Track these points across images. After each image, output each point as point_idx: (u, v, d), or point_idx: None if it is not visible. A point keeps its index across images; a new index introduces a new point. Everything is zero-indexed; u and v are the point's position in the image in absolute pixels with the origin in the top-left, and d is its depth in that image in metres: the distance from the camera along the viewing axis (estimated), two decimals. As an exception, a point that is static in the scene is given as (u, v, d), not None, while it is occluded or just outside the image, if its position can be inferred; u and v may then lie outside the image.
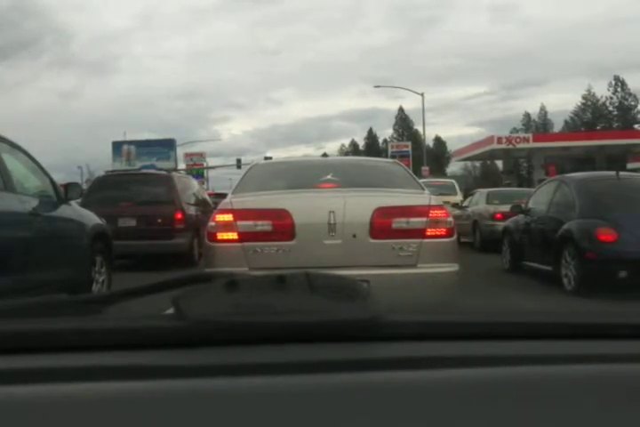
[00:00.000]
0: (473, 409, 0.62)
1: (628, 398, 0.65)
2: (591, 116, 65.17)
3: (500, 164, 51.00)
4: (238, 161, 40.57)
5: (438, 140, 78.52)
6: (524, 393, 0.64)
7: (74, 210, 6.10)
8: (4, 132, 5.48)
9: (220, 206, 4.52)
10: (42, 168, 5.83)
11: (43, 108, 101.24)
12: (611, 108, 65.30)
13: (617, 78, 64.99)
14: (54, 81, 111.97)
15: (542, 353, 0.74)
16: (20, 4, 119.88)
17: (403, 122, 78.54)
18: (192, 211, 10.25)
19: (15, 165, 5.35)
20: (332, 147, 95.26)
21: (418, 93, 36.18)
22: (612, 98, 65.07)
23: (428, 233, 4.27)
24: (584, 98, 66.50)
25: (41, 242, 5.10)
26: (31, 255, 4.93)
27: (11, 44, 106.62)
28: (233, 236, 4.27)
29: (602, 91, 68.05)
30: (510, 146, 34.76)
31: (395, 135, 76.77)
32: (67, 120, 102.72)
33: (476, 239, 12.93)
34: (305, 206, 4.36)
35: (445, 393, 0.64)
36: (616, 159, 32.92)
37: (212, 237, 4.35)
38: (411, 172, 5.51)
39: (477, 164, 63.35)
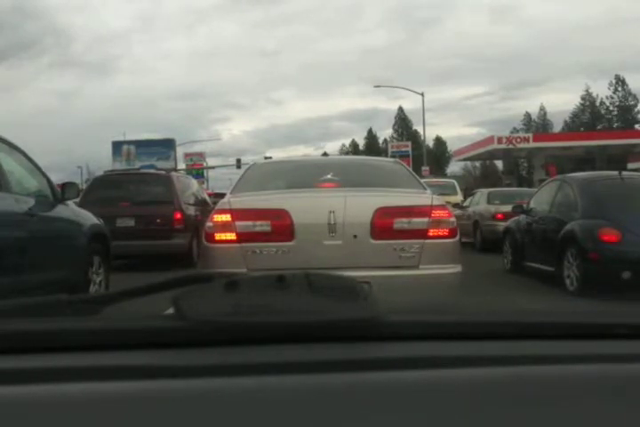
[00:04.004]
0: (473, 409, 0.62)
1: (628, 398, 0.65)
2: (589, 117, 65.17)
3: (499, 164, 51.04)
4: (238, 161, 40.56)
5: (438, 141, 78.56)
6: (523, 393, 0.64)
7: (71, 210, 6.06)
8: (5, 132, 5.47)
9: (218, 206, 4.45)
10: (38, 168, 5.80)
11: (43, 108, 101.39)
12: (611, 108, 65.33)
13: (618, 77, 65.07)
14: (55, 81, 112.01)
15: (542, 353, 0.74)
16: (20, 6, 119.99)
17: (402, 122, 78.53)
18: (191, 211, 10.22)
19: (11, 165, 5.31)
20: (332, 147, 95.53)
21: (418, 93, 36.19)
22: (612, 97, 65.18)
23: (431, 234, 4.23)
24: (582, 98, 66.61)
25: (36, 242, 5.06)
26: (26, 256, 4.88)
27: (12, 44, 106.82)
28: (231, 236, 4.22)
29: (601, 91, 68.17)
30: (511, 146, 34.74)
31: (394, 135, 76.78)
32: (67, 120, 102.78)
33: (477, 240, 12.92)
34: (305, 206, 4.31)
35: (445, 393, 0.64)
36: (616, 159, 32.91)
37: (210, 238, 4.29)
38: (412, 171, 5.48)
39: (477, 164, 63.35)
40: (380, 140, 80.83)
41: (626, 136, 37.23)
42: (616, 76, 65.38)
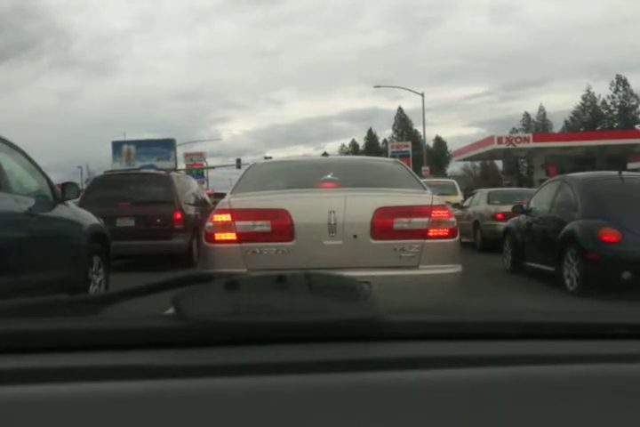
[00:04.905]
0: (473, 409, 0.62)
1: (627, 399, 0.65)
2: (590, 117, 65.16)
3: (499, 164, 51.04)
4: (238, 161, 40.56)
5: (438, 141, 78.59)
6: (523, 393, 0.64)
7: (71, 210, 6.05)
8: (5, 132, 5.47)
9: (219, 206, 4.45)
10: (39, 168, 5.79)
11: (43, 108, 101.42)
12: (612, 108, 65.31)
13: (619, 77, 65.03)
14: (55, 81, 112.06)
15: (542, 353, 0.74)
16: (20, 6, 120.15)
17: (402, 122, 78.54)
18: (191, 211, 10.21)
19: (12, 165, 5.32)
20: (332, 147, 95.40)
21: (418, 93, 36.19)
22: (613, 97, 65.14)
23: (431, 234, 4.23)
24: (583, 98, 66.61)
25: (36, 242, 5.05)
26: (26, 256, 4.88)
27: (12, 44, 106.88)
28: (231, 236, 4.22)
29: (601, 91, 68.36)
30: (511, 146, 34.75)
31: (394, 135, 76.81)
32: (67, 120, 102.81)
33: (477, 240, 12.92)
34: (305, 206, 4.32)
35: (445, 393, 0.64)
36: (616, 159, 32.90)
37: (210, 238, 4.29)
38: (412, 171, 5.48)
39: (477, 164, 63.36)
40: (380, 141, 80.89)
41: (626, 136, 37.23)
42: (617, 75, 65.43)
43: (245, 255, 4.19)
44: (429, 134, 76.20)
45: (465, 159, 50.30)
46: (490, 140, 36.68)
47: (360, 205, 4.28)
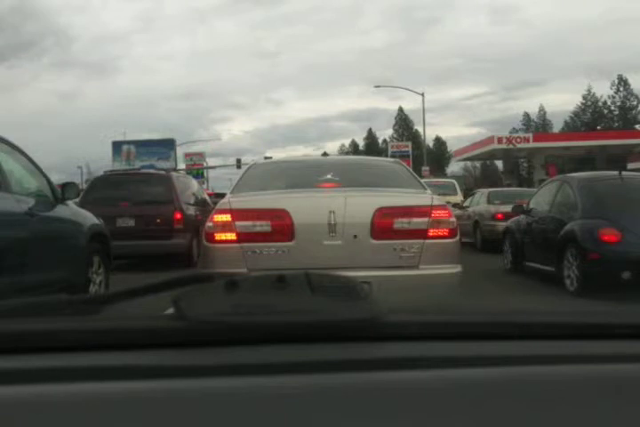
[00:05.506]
0: (473, 409, 0.62)
1: (627, 398, 0.65)
2: (590, 117, 65.18)
3: (500, 164, 51.03)
4: (238, 161, 40.57)
5: (438, 141, 78.65)
6: (523, 393, 0.64)
7: (71, 210, 6.05)
8: (5, 132, 5.47)
9: (218, 206, 4.46)
10: (39, 168, 5.79)
11: (43, 108, 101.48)
12: (612, 108, 65.33)
13: (620, 77, 65.10)
14: (55, 81, 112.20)
15: (542, 353, 0.74)
16: (21, 6, 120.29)
17: (402, 122, 78.60)
18: (191, 211, 10.22)
19: (12, 165, 5.32)
20: (332, 147, 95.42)
21: (418, 93, 36.22)
22: (614, 97, 65.15)
23: (431, 234, 4.23)
24: (584, 98, 66.66)
25: (36, 243, 5.04)
26: (26, 256, 4.88)
27: (12, 44, 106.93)
28: (231, 236, 4.22)
29: (601, 91, 68.39)
30: (511, 146, 34.74)
31: (395, 135, 76.85)
32: (67, 120, 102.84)
33: (477, 239, 12.92)
34: (305, 206, 4.32)
35: (445, 393, 0.64)
36: (617, 159, 32.89)
37: (210, 238, 4.29)
38: (412, 171, 5.48)
39: (477, 164, 63.36)
40: (380, 141, 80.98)
41: (626, 136, 37.23)
42: (619, 75, 65.50)
43: (245, 255, 4.19)
44: (429, 134, 76.34)
45: (465, 159, 50.28)
46: (490, 140, 36.67)
47: (360, 205, 4.28)
